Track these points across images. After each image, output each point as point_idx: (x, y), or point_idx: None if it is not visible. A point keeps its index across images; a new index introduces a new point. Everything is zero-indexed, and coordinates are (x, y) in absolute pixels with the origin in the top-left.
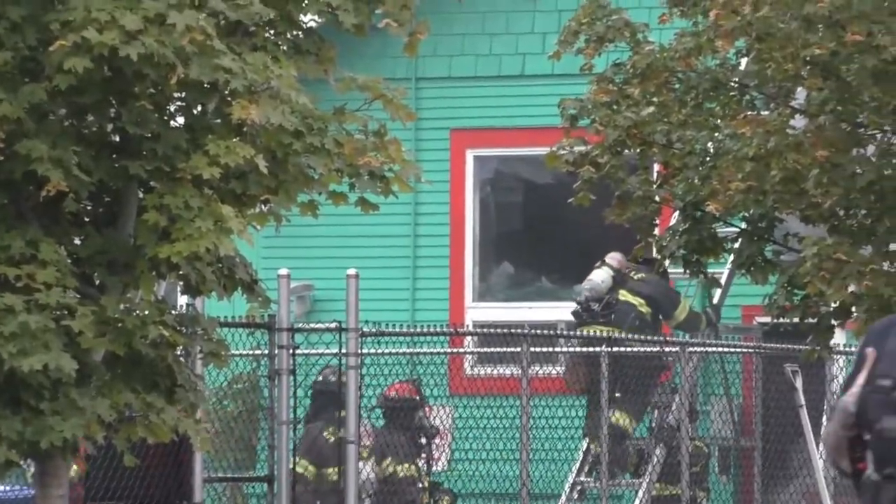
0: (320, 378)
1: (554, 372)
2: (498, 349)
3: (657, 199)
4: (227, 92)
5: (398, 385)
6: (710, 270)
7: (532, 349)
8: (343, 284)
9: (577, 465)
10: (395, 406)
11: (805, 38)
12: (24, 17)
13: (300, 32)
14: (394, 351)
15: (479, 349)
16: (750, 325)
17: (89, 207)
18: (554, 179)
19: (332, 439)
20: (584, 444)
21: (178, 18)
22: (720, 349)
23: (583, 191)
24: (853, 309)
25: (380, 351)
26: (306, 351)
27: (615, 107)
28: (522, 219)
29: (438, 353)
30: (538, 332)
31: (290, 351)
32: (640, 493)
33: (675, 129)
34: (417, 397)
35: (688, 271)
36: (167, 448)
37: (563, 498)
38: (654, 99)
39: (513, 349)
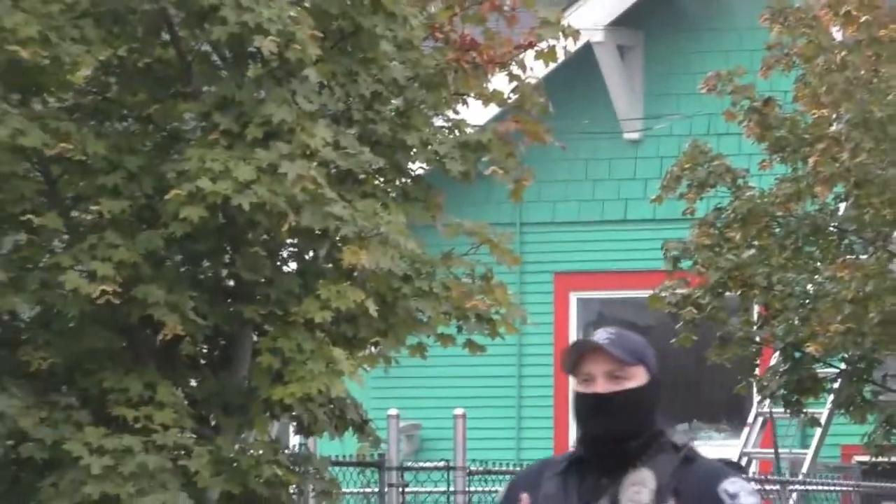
0: None
1: None
2: None
3: (758, 339)
4: (337, 238)
5: None
6: (809, 410)
7: None
8: (450, 424)
9: None
10: None
11: None
12: (141, 166)
13: (408, 180)
14: (501, 489)
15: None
16: (849, 463)
17: (205, 350)
18: (655, 321)
19: None
20: None
21: (290, 168)
22: (820, 487)
23: (685, 332)
24: None
25: (487, 489)
26: (415, 489)
27: (716, 250)
28: None
29: None
30: None
31: (400, 489)
32: None
33: (776, 272)
34: None
35: (788, 411)
36: None
37: None
38: (755, 242)
39: None
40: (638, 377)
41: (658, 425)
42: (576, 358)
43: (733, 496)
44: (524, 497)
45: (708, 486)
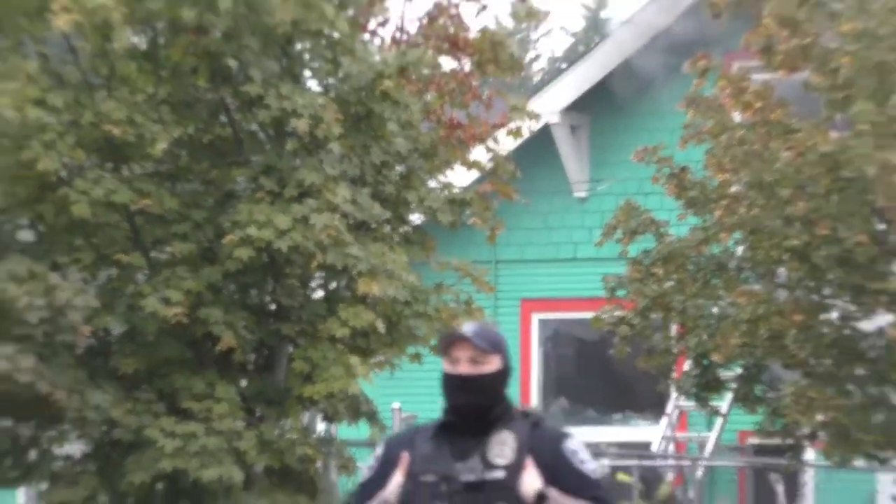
0: None
1: None
2: None
3: (675, 351)
4: (354, 272)
5: None
6: (714, 404)
7: None
8: (438, 415)
9: None
10: None
11: (785, 232)
12: (204, 218)
13: (409, 228)
14: (377, 449)
15: None
16: (744, 445)
17: (252, 358)
18: (598, 337)
19: None
20: None
21: (318, 219)
22: (721, 463)
23: (621, 345)
24: (820, 433)
25: None
26: None
27: (644, 282)
28: (575, 366)
29: None
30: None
31: None
32: None
33: (689, 299)
34: None
35: (698, 405)
36: None
37: None
38: (674, 276)
39: None
40: (494, 364)
41: (507, 399)
42: (447, 344)
43: (574, 452)
44: (404, 455)
45: (555, 445)
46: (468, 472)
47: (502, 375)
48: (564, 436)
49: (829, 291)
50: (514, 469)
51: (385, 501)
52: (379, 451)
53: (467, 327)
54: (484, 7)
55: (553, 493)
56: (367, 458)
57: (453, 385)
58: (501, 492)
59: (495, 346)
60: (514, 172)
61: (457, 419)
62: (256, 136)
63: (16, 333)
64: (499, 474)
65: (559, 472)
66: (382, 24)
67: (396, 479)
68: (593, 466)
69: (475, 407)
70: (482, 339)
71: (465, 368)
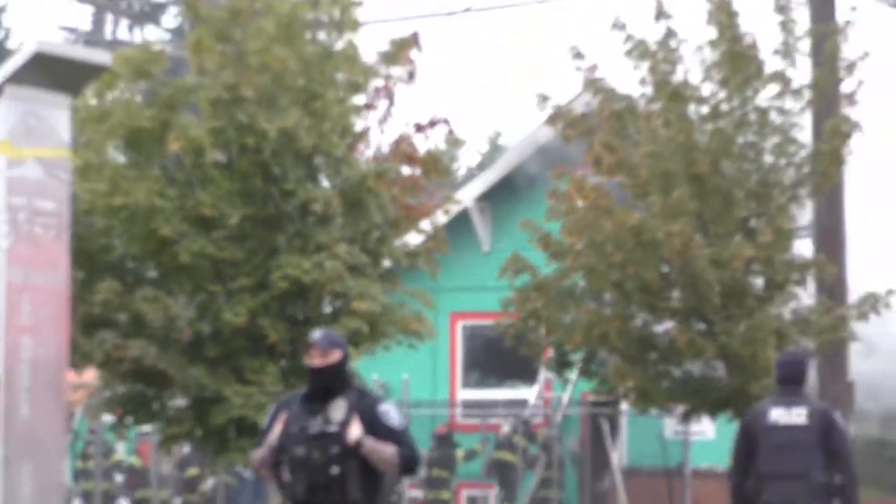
0: None
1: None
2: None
3: (542, 343)
4: (350, 296)
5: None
6: (566, 375)
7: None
8: (400, 384)
9: None
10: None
11: (608, 273)
12: (259, 263)
13: (382, 269)
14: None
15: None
16: (585, 400)
17: (287, 349)
18: (497, 335)
19: None
20: None
21: (328, 264)
22: (572, 412)
23: (511, 340)
24: (630, 394)
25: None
26: None
27: (524, 302)
28: (483, 353)
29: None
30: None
31: None
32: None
33: (551, 313)
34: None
35: (557, 376)
36: None
37: None
38: (542, 299)
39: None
40: (336, 356)
41: (346, 377)
42: (307, 347)
43: (385, 412)
44: (284, 414)
45: (373, 408)
46: (315, 426)
47: (342, 364)
48: (379, 401)
49: (634, 308)
50: (344, 424)
51: (271, 443)
52: (272, 409)
53: (316, 334)
54: (428, 137)
55: (369, 440)
56: None
57: (311, 373)
58: (336, 439)
59: (335, 344)
60: (445, 236)
61: (312, 392)
62: (291, 215)
63: (146, 333)
64: (334, 428)
65: (375, 426)
66: (367, 147)
67: (277, 429)
68: (398, 422)
69: (322, 385)
70: (325, 342)
71: (317, 362)
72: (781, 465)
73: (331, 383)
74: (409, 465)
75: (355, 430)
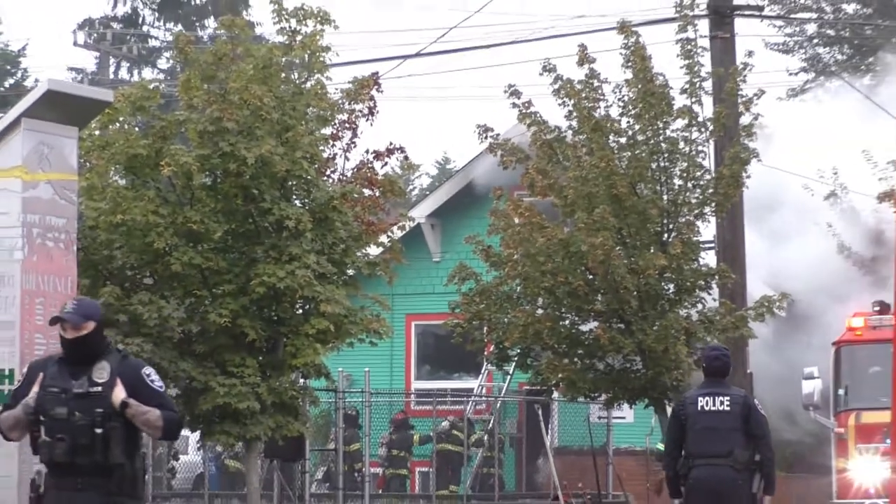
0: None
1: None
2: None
3: (485, 340)
4: (318, 300)
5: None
6: (506, 368)
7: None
8: (363, 375)
9: None
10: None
11: (541, 280)
12: (240, 271)
13: (347, 276)
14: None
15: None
16: (521, 388)
17: (265, 345)
18: (446, 333)
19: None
20: None
21: (300, 272)
22: (510, 399)
23: (457, 338)
24: (560, 384)
25: (382, 400)
26: (350, 399)
27: (469, 305)
28: (434, 348)
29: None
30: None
31: (343, 400)
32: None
33: (492, 314)
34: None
35: (497, 368)
36: (299, 439)
37: None
38: (484, 302)
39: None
40: (88, 327)
41: (106, 342)
42: (57, 321)
43: (148, 375)
44: (41, 375)
45: (136, 371)
46: (79, 386)
47: (96, 332)
48: (142, 365)
49: (563, 310)
50: (108, 386)
51: (27, 403)
52: (24, 370)
53: (68, 305)
54: (385, 164)
55: (132, 402)
56: (326, 398)
57: (64, 344)
58: (100, 400)
59: (88, 315)
60: (401, 248)
61: (68, 358)
62: (268, 230)
63: (142, 332)
64: (98, 389)
65: (138, 388)
66: (333, 171)
67: (34, 389)
68: (160, 385)
69: (79, 354)
70: (77, 314)
71: (69, 334)
72: (708, 446)
73: (87, 351)
74: (171, 427)
75: (120, 392)
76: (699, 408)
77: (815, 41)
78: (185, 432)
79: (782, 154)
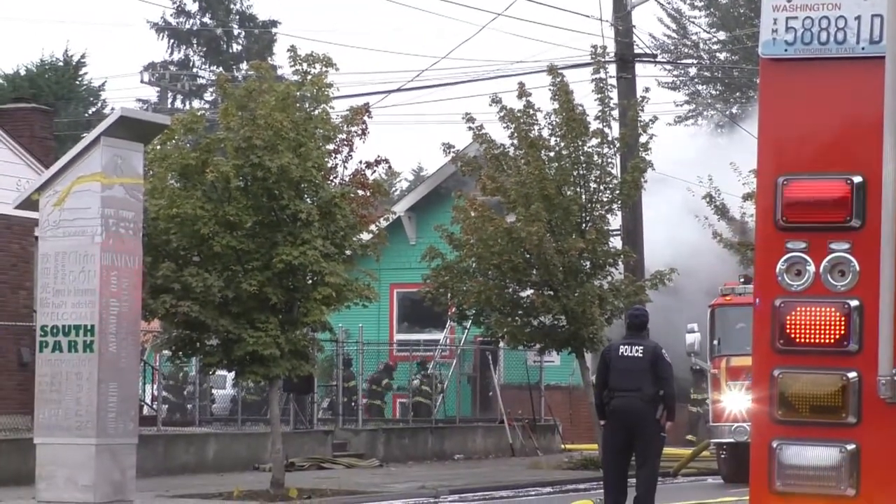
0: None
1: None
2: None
3: (448, 303)
4: (324, 273)
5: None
6: (464, 324)
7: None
8: (357, 330)
9: None
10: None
11: (490, 258)
12: (264, 252)
13: (346, 255)
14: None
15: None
16: (476, 340)
17: (284, 307)
18: (421, 298)
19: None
20: None
21: (310, 253)
22: (466, 347)
23: (428, 302)
24: (505, 336)
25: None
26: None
27: (436, 277)
28: (411, 311)
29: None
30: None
31: (343, 348)
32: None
33: (454, 284)
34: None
35: (458, 324)
36: (309, 377)
37: None
38: (448, 275)
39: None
40: None
41: None
42: None
43: None
44: None
45: None
46: None
47: None
48: None
49: (507, 281)
50: None
51: None
52: None
53: None
54: (374, 171)
55: None
56: (329, 346)
57: None
58: None
59: None
60: (386, 235)
61: None
62: (286, 220)
63: (191, 297)
64: None
65: None
66: (335, 177)
67: None
68: None
69: None
70: None
71: None
72: (624, 382)
73: None
74: None
75: None
76: (620, 353)
77: (695, 80)
78: (222, 371)
79: (671, 165)
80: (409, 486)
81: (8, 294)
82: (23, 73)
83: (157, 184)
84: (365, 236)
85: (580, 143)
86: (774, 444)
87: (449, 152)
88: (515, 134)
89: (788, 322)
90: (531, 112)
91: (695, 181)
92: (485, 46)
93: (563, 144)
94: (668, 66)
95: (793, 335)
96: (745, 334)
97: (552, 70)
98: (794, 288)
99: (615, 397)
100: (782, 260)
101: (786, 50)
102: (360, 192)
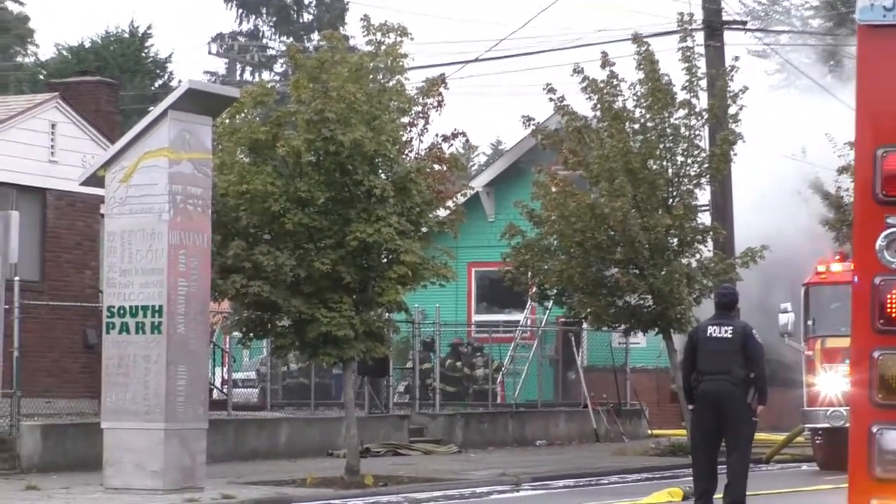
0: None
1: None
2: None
3: (529, 283)
4: (400, 251)
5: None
6: (546, 304)
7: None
8: (433, 310)
9: None
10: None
11: (573, 235)
12: (338, 229)
13: (422, 233)
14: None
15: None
16: (558, 321)
17: (358, 286)
18: (500, 277)
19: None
20: None
21: (385, 230)
22: (549, 328)
23: (509, 282)
24: (589, 317)
25: (452, 332)
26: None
27: (517, 255)
28: (490, 290)
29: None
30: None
31: (419, 329)
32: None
33: (535, 263)
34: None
35: (539, 304)
36: (384, 359)
37: None
38: (529, 254)
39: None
40: None
41: None
42: None
43: None
44: None
45: None
46: None
47: None
48: None
49: (591, 259)
50: None
51: None
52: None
53: None
54: (451, 145)
55: None
56: (405, 328)
57: None
58: None
59: None
60: (464, 211)
61: None
62: (359, 196)
63: (262, 276)
64: None
65: None
66: (410, 151)
67: None
68: None
69: None
70: None
71: None
72: (713, 365)
73: None
74: None
75: None
76: (708, 334)
77: (787, 48)
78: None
79: (765, 136)
80: (489, 472)
81: (73, 274)
82: (87, 45)
83: (225, 159)
84: (441, 213)
85: (666, 115)
86: (874, 429)
87: (529, 125)
88: (598, 105)
89: (889, 301)
90: (615, 82)
91: (787, 152)
92: (566, 14)
93: (648, 116)
94: (759, 34)
95: (894, 315)
96: (841, 314)
97: (637, 38)
98: (895, 265)
99: (704, 380)
100: (882, 235)
101: (884, 16)
102: (437, 167)
